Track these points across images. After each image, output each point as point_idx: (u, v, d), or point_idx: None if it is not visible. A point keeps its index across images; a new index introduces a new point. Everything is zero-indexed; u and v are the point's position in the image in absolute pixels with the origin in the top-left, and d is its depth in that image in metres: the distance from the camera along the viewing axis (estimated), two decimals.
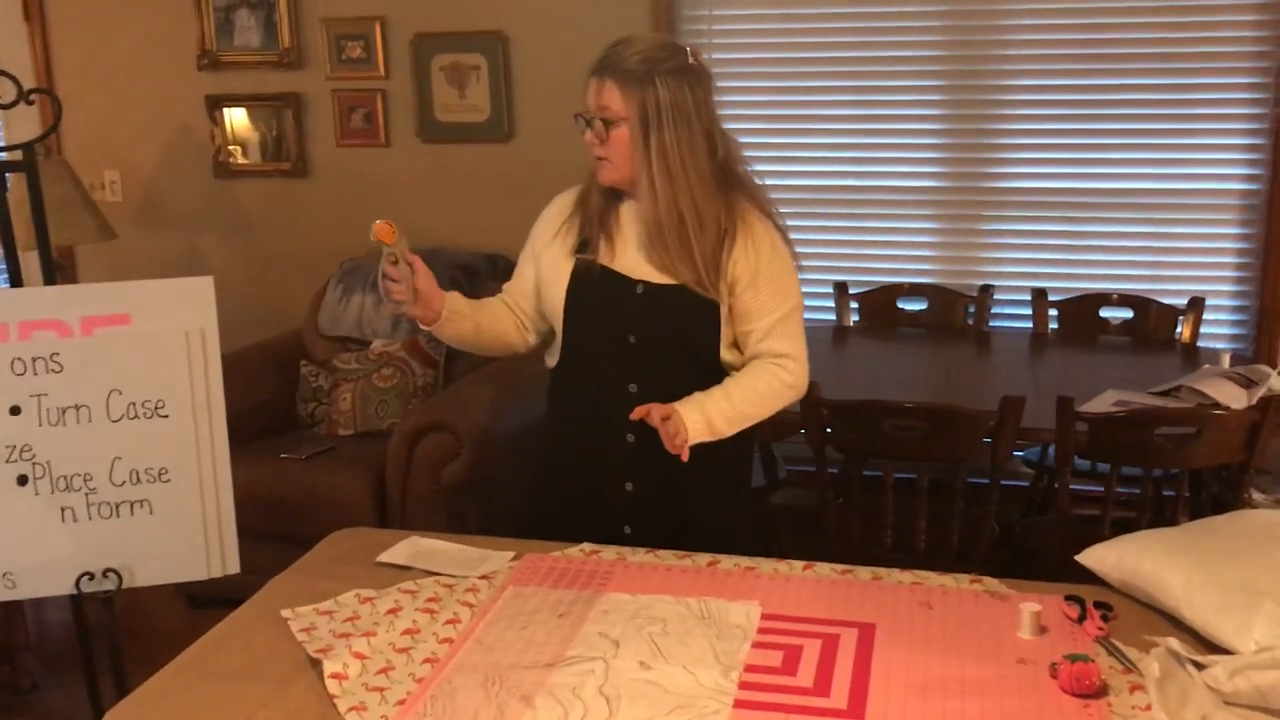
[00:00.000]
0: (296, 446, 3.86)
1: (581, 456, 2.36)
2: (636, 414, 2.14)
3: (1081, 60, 4.00)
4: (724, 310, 2.26)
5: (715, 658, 1.80)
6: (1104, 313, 3.98)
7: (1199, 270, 4.04)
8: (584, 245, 2.31)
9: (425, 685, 1.73)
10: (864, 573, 2.11)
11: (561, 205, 2.39)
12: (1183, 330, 3.84)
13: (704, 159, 2.22)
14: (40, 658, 3.54)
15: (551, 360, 2.40)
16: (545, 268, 2.36)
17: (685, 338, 2.27)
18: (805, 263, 4.28)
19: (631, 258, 2.28)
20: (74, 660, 2.83)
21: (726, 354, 2.29)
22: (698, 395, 2.23)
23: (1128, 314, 3.95)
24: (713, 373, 2.28)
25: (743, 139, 4.22)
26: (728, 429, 2.23)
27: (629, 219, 2.30)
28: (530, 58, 4.34)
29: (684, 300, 2.24)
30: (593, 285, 2.29)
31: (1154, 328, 3.89)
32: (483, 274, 4.17)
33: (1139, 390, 3.04)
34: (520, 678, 1.75)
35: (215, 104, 4.65)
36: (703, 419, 2.20)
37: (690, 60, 2.20)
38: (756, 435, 2.45)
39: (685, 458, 2.16)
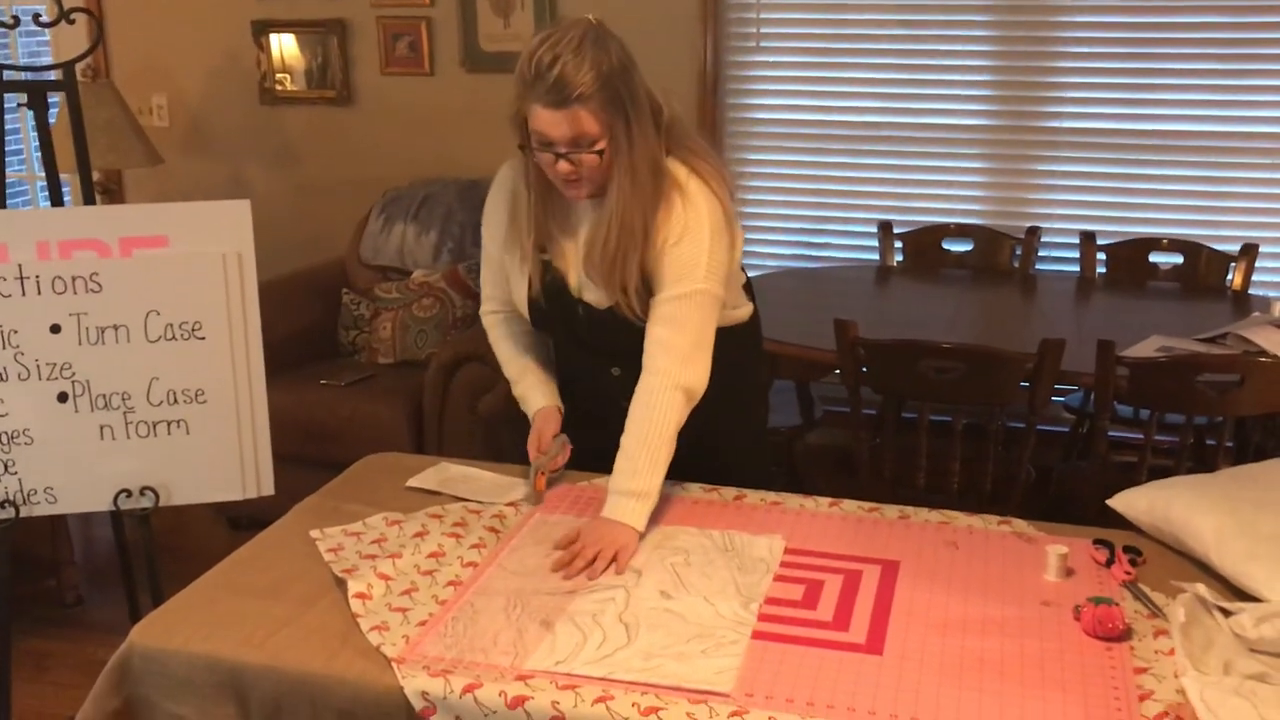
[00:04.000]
0: (336, 373, 3.89)
1: (588, 406, 2.28)
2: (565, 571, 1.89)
3: None
4: None
5: (736, 589, 1.80)
6: (1153, 258, 3.90)
7: (1253, 216, 3.94)
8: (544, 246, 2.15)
9: (447, 607, 1.75)
10: (890, 511, 2.10)
11: (511, 194, 2.17)
12: (1234, 277, 3.75)
13: (655, 142, 2.01)
14: (85, 573, 3.62)
15: None
16: (509, 261, 2.19)
17: (638, 343, 2.08)
18: (849, 200, 4.31)
19: (575, 275, 2.14)
20: (117, 576, 2.89)
21: None
22: (613, 480, 2.01)
23: (1178, 259, 3.87)
24: None
25: (788, 72, 4.24)
26: (658, 479, 2.01)
27: (568, 231, 2.13)
28: None
29: (620, 319, 2.09)
30: (548, 293, 2.15)
31: (1204, 274, 3.81)
32: None
33: (1185, 337, 2.99)
34: (541, 603, 1.76)
35: (262, 29, 4.65)
36: (631, 500, 1.97)
37: (612, 40, 1.96)
38: (765, 368, 2.41)
39: (623, 563, 1.89)
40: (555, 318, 2.19)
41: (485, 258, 2.29)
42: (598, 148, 1.95)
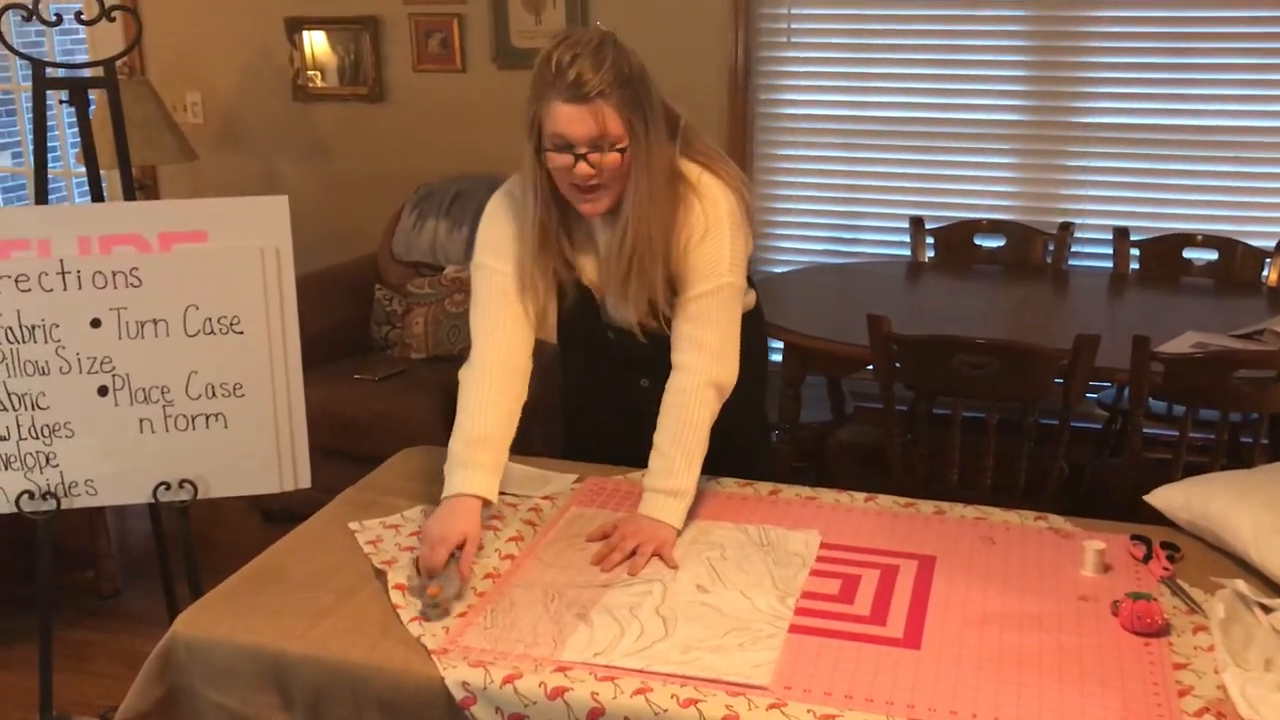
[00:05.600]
0: (370, 368, 3.92)
1: (608, 412, 2.28)
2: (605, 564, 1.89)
3: None
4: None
5: (773, 583, 1.81)
6: (1187, 254, 3.87)
7: None
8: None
9: (486, 599, 1.77)
10: (926, 506, 2.10)
11: (521, 208, 2.06)
12: (1269, 273, 3.72)
13: (670, 149, 2.00)
14: (122, 565, 3.66)
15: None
16: (529, 271, 2.06)
17: (666, 353, 2.07)
18: (881, 196, 4.30)
19: (597, 289, 2.13)
20: (154, 568, 2.92)
21: None
22: (648, 479, 2.00)
23: (1212, 255, 3.84)
24: None
25: (817, 66, 4.24)
26: (693, 478, 2.00)
27: (583, 246, 2.09)
28: None
29: (646, 331, 2.07)
30: (575, 309, 2.14)
31: (1239, 270, 3.78)
32: None
33: (1221, 333, 2.97)
34: (579, 595, 1.77)
35: (295, 26, 4.68)
36: (668, 499, 1.97)
37: (626, 49, 1.94)
38: (767, 353, 2.41)
39: (669, 558, 1.89)
40: (581, 334, 2.18)
41: (492, 281, 2.07)
42: (619, 146, 1.90)
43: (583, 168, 1.91)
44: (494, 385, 2.04)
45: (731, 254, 2.04)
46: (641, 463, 2.05)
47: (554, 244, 2.05)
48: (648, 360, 2.13)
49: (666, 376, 2.06)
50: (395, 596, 1.76)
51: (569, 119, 1.88)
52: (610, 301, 2.13)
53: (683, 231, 2.02)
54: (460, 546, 1.82)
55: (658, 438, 2.03)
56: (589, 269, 2.11)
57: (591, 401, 2.30)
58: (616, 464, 2.25)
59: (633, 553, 1.88)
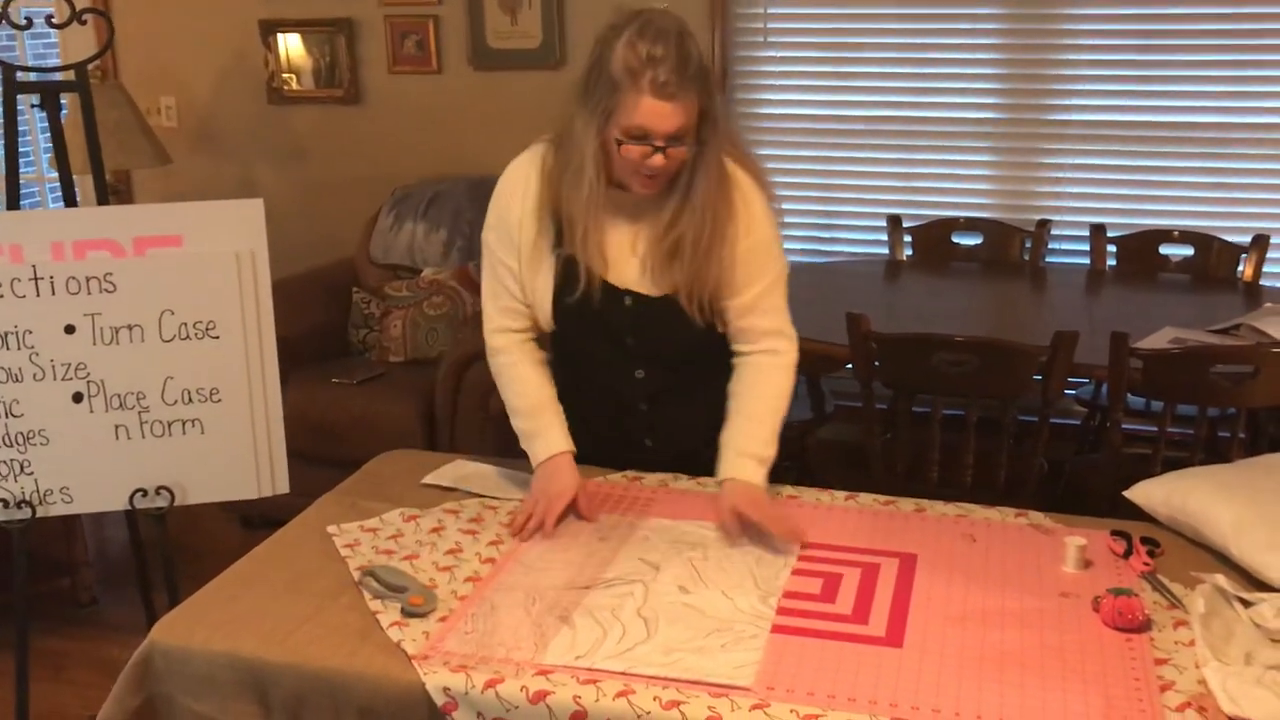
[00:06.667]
0: (348, 372, 3.90)
1: (595, 419, 2.23)
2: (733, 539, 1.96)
3: None
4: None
5: (754, 583, 1.80)
6: (1164, 250, 3.89)
7: (1263, 207, 3.93)
8: (559, 239, 2.08)
9: (467, 603, 1.75)
10: (907, 504, 2.10)
11: (534, 188, 2.08)
12: (1245, 268, 3.74)
13: (723, 136, 2.03)
14: (99, 573, 3.63)
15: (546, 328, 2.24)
16: (526, 258, 2.11)
17: (683, 339, 2.11)
18: (858, 195, 4.30)
19: (619, 265, 2.09)
20: (132, 576, 2.90)
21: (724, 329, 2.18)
22: (731, 444, 2.05)
23: (1188, 251, 3.87)
24: (717, 343, 2.17)
25: (794, 66, 4.24)
26: (775, 449, 2.07)
27: (614, 220, 2.07)
28: None
29: (675, 309, 2.07)
30: (579, 291, 2.07)
31: (1215, 265, 3.80)
32: None
33: (1198, 328, 2.98)
34: (560, 598, 1.76)
35: (269, 29, 4.65)
36: (754, 463, 2.03)
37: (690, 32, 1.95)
38: None
39: (763, 513, 1.95)
40: (589, 315, 2.11)
41: (497, 270, 2.15)
42: (693, 139, 1.93)
43: (657, 159, 1.93)
44: (523, 361, 2.18)
45: (777, 244, 2.14)
46: (624, 466, 2.09)
47: (593, 215, 2.02)
48: (654, 347, 2.14)
49: (661, 370, 2.11)
50: (374, 603, 1.75)
51: (657, 114, 1.89)
52: (638, 275, 2.09)
53: (729, 224, 2.04)
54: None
55: (742, 407, 2.08)
56: (619, 244, 2.08)
57: (581, 397, 2.27)
58: (600, 466, 2.23)
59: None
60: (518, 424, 2.15)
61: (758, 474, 2.03)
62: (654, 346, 2.14)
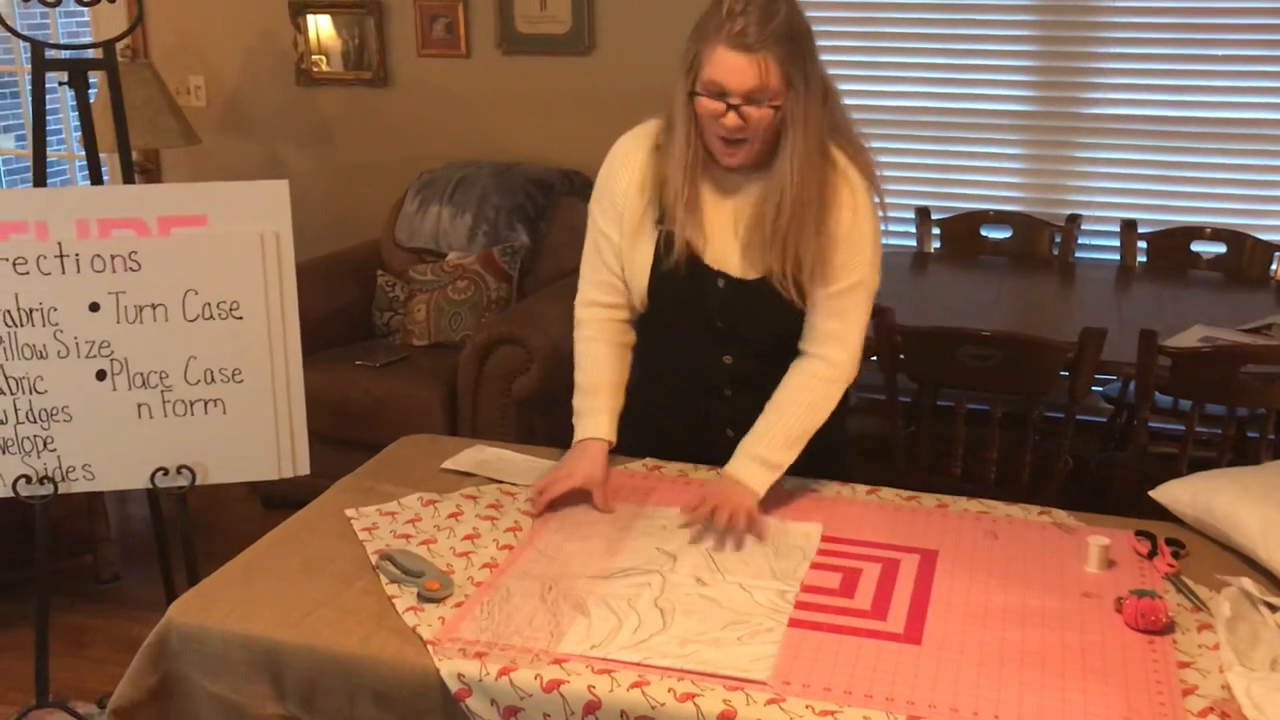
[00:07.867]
0: (371, 354, 3.90)
1: (677, 406, 2.22)
2: (690, 522, 1.95)
3: None
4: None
5: (773, 576, 1.79)
6: (1195, 247, 3.85)
7: None
8: (662, 216, 2.05)
9: (483, 589, 1.75)
10: (929, 500, 2.08)
11: (641, 160, 2.06)
12: (1278, 267, 3.70)
13: (823, 119, 1.96)
14: (121, 550, 3.65)
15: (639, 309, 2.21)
16: (628, 230, 2.09)
17: (773, 325, 2.08)
18: (887, 186, 4.15)
19: (716, 245, 2.05)
20: (152, 554, 2.91)
21: None
22: (745, 443, 2.03)
23: (1220, 249, 3.82)
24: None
25: (824, 55, 4.15)
26: (790, 456, 2.02)
27: (715, 198, 2.05)
28: None
29: (768, 293, 2.02)
30: (674, 267, 2.04)
31: (1248, 264, 3.76)
32: (558, 189, 4.14)
33: (1228, 327, 2.95)
34: (576, 587, 1.75)
35: (299, 10, 4.65)
36: (758, 465, 2.00)
37: (797, 6, 1.92)
38: None
39: (753, 522, 1.93)
40: (682, 294, 2.08)
41: (597, 242, 2.13)
42: (774, 103, 1.88)
43: (732, 118, 1.89)
44: (601, 339, 2.15)
45: (874, 250, 2.05)
46: (703, 457, 2.13)
47: (688, 186, 2.00)
48: (744, 330, 2.09)
49: (749, 357, 2.09)
50: (390, 587, 1.74)
51: (730, 67, 1.86)
52: (732, 254, 2.06)
53: (831, 212, 1.99)
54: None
55: (771, 406, 2.04)
56: (715, 221, 2.05)
57: (666, 381, 2.22)
58: (677, 460, 2.20)
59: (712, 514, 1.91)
60: (574, 401, 2.15)
61: (759, 477, 1.99)
62: (744, 331, 2.10)
